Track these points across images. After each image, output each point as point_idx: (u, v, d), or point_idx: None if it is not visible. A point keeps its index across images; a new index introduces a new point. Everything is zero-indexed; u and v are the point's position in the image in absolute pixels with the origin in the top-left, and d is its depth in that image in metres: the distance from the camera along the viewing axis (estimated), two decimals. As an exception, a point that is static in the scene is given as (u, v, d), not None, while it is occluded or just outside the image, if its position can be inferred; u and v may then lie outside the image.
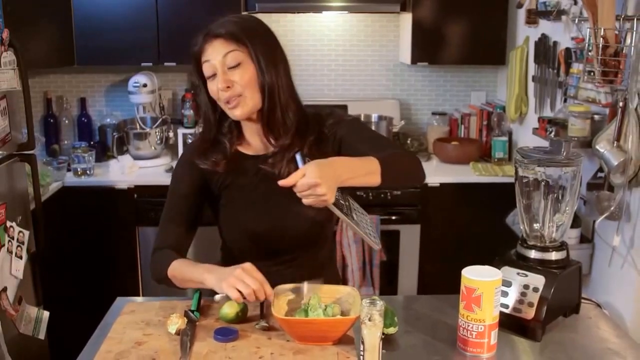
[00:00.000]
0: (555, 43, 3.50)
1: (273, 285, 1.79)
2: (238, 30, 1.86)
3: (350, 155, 1.81)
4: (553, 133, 3.20)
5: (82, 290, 3.72)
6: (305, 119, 1.97)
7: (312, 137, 1.96)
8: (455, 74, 4.50)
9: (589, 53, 2.86)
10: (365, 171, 1.74)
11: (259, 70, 1.86)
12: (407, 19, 4.12)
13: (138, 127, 4.10)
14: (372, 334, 1.52)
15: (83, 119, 4.33)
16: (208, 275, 1.79)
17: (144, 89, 3.97)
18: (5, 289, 2.62)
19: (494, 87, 4.54)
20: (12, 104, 2.78)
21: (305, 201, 1.64)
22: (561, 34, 3.42)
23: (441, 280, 3.80)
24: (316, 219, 1.95)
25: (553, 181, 1.82)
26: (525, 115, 3.99)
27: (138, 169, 3.90)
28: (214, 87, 1.86)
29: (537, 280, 1.78)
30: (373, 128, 4.14)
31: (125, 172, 3.83)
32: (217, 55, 1.85)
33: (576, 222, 3.03)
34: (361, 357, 1.56)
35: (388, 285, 3.77)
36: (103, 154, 4.10)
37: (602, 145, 2.78)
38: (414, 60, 4.10)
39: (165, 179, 3.76)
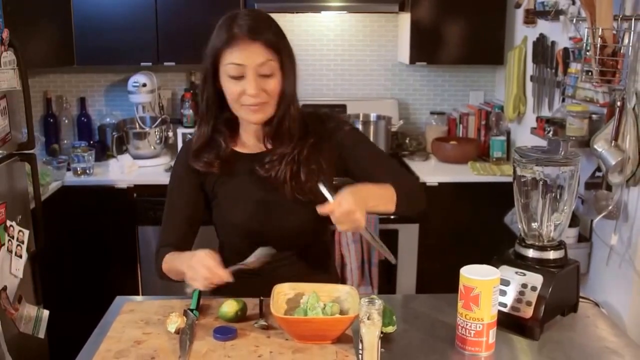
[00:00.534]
0: (553, 43, 3.51)
1: (270, 285, 1.80)
2: (275, 39, 1.85)
3: (355, 170, 1.96)
4: (551, 132, 3.21)
5: (81, 289, 3.72)
6: (305, 123, 1.98)
7: (311, 139, 1.96)
8: (454, 73, 4.51)
9: (587, 53, 2.87)
10: (385, 200, 1.83)
11: (284, 83, 1.88)
12: (405, 19, 4.12)
13: (137, 126, 4.10)
14: (370, 333, 1.52)
15: (83, 118, 4.34)
16: (186, 269, 1.80)
17: (143, 89, 3.97)
18: (5, 288, 2.62)
19: (492, 87, 4.54)
20: (12, 103, 2.78)
21: (341, 227, 1.68)
22: (559, 34, 3.43)
23: (439, 279, 3.79)
24: (310, 218, 1.95)
25: (551, 180, 1.82)
26: (523, 114, 4.00)
27: (137, 169, 3.91)
28: (238, 89, 1.84)
29: (535, 279, 1.79)
30: (372, 128, 4.16)
31: (124, 171, 3.83)
32: (253, 61, 1.82)
33: (574, 221, 3.03)
34: (360, 356, 1.56)
35: (387, 284, 3.78)
36: (103, 153, 4.10)
37: (600, 145, 2.79)
38: (413, 60, 4.11)
39: (165, 179, 3.75)
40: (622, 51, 2.72)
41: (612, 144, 2.75)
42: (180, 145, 4.08)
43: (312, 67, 4.39)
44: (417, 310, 1.96)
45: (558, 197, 1.84)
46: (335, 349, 1.67)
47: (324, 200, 1.70)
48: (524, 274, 1.81)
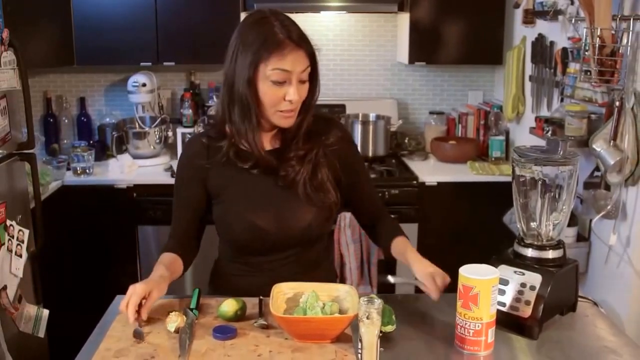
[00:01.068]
0: (552, 43, 3.51)
1: (270, 283, 1.81)
2: (311, 48, 1.87)
3: (346, 182, 2.06)
4: (550, 132, 3.22)
5: (81, 289, 3.73)
6: (316, 124, 2.01)
7: (324, 139, 2.00)
8: (453, 73, 4.51)
9: (586, 53, 2.88)
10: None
11: (312, 89, 1.92)
12: (404, 18, 4.13)
13: (137, 126, 4.11)
14: (370, 332, 1.52)
15: (82, 118, 4.34)
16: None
17: (143, 89, 3.98)
18: (5, 288, 2.62)
19: (491, 87, 4.55)
20: (12, 103, 2.78)
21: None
22: (558, 34, 3.43)
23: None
24: (317, 217, 1.96)
25: (550, 180, 1.83)
26: (522, 114, 4.00)
27: (137, 168, 3.91)
28: (280, 94, 1.83)
29: (534, 279, 1.79)
30: (371, 128, 4.17)
31: (124, 171, 3.83)
32: (298, 67, 1.83)
33: (573, 220, 3.04)
34: (359, 355, 1.56)
35: (386, 283, 3.77)
36: (102, 153, 4.11)
37: (599, 145, 2.79)
38: (412, 60, 4.11)
39: (165, 178, 3.79)
40: (620, 51, 2.73)
41: (611, 144, 2.76)
42: (180, 144, 4.08)
43: (311, 66, 4.38)
44: (416, 310, 1.96)
45: (557, 196, 1.84)
46: (334, 348, 1.68)
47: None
48: (523, 274, 1.82)
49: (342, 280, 3.41)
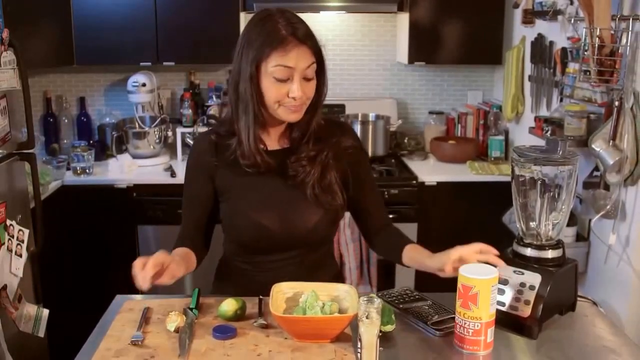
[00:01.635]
0: (551, 43, 3.51)
1: (274, 283, 1.81)
2: (317, 43, 1.88)
3: (354, 188, 2.05)
4: (549, 132, 3.22)
5: (81, 289, 3.73)
6: (326, 126, 2.02)
7: (334, 141, 2.01)
8: (452, 73, 4.52)
9: (585, 53, 2.88)
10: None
11: (320, 87, 1.92)
12: (404, 18, 4.13)
13: (137, 126, 4.11)
14: (369, 332, 1.53)
15: (82, 118, 4.34)
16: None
17: (143, 89, 3.98)
18: (5, 287, 2.63)
19: (490, 87, 4.55)
20: (12, 103, 2.78)
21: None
22: (557, 34, 3.44)
23: (438, 278, 3.82)
24: (324, 218, 1.97)
25: (549, 180, 1.83)
26: (521, 114, 4.00)
27: (137, 168, 3.91)
28: (282, 90, 1.84)
29: (534, 279, 1.79)
30: (371, 127, 4.17)
31: (124, 171, 3.84)
32: (301, 64, 1.83)
33: (572, 220, 3.04)
34: (358, 354, 1.57)
35: (385, 283, 3.78)
36: (102, 153, 4.11)
37: (598, 145, 2.80)
38: (411, 60, 4.12)
39: (164, 178, 3.80)
40: (620, 51, 2.73)
41: (610, 144, 2.76)
42: (179, 144, 4.09)
43: (311, 66, 4.38)
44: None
45: (556, 196, 1.84)
46: (334, 347, 1.68)
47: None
48: (522, 273, 1.82)
49: (342, 280, 3.41)
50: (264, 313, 1.85)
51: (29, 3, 3.48)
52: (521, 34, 3.93)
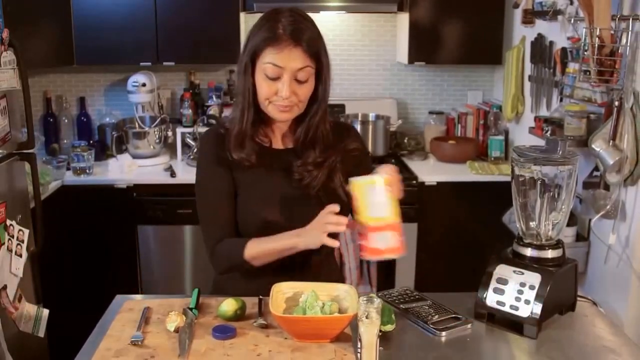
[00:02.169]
0: (551, 43, 3.51)
1: (272, 282, 1.81)
2: (316, 47, 1.87)
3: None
4: (549, 132, 3.22)
5: (81, 289, 3.73)
6: (335, 131, 2.03)
7: (343, 146, 2.02)
8: (452, 73, 4.52)
9: (585, 53, 2.88)
10: None
11: (319, 90, 1.93)
12: (404, 18, 4.13)
13: (137, 126, 4.11)
14: (369, 332, 1.53)
15: (82, 118, 4.34)
16: (298, 239, 1.85)
17: (143, 89, 3.98)
18: (5, 287, 2.63)
19: (490, 87, 4.55)
20: (12, 103, 2.78)
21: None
22: (557, 34, 3.44)
23: (438, 277, 3.83)
24: None
25: (549, 180, 1.83)
26: (521, 114, 4.00)
27: (137, 168, 3.91)
28: (271, 89, 1.85)
29: (534, 278, 1.80)
30: (371, 127, 4.17)
31: (124, 171, 3.84)
32: (292, 66, 1.83)
33: (572, 220, 3.04)
34: (358, 354, 1.57)
35: (385, 283, 3.78)
36: (102, 153, 4.11)
37: (598, 144, 2.80)
38: (411, 60, 4.12)
39: (164, 178, 3.80)
40: (620, 51, 2.73)
41: (610, 144, 2.76)
42: (179, 144, 4.09)
43: (311, 66, 4.38)
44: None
45: (556, 196, 1.84)
46: (334, 347, 1.68)
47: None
48: (522, 273, 1.82)
49: (342, 280, 3.41)
50: (264, 313, 1.85)
51: (29, 3, 3.48)
52: (521, 34, 3.93)
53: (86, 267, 3.79)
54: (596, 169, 2.91)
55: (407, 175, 3.90)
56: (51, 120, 4.24)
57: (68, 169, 3.80)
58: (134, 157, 3.99)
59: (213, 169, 2.01)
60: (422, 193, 3.82)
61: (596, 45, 2.75)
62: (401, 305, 1.92)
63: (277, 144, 2.02)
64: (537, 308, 1.76)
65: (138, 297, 2.06)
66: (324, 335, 1.70)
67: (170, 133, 4.12)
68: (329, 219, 1.77)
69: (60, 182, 3.69)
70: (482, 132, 4.31)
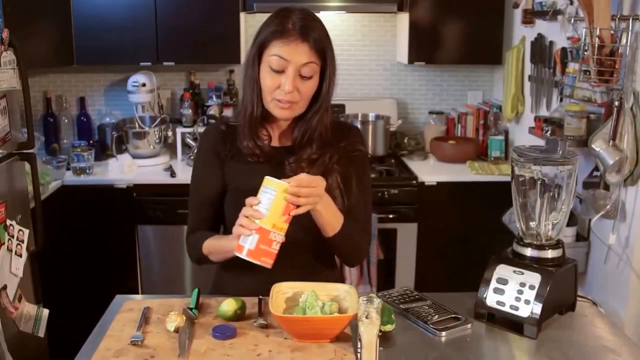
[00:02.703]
0: (551, 43, 3.52)
1: (271, 283, 1.81)
2: (323, 44, 1.89)
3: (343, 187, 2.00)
4: (549, 132, 3.22)
5: (81, 288, 3.73)
6: (334, 130, 2.02)
7: (342, 145, 2.01)
8: (452, 73, 4.52)
9: (585, 53, 2.88)
10: (332, 223, 1.90)
11: (323, 89, 1.93)
12: (404, 18, 4.13)
13: (137, 126, 4.11)
14: (369, 332, 1.53)
15: (82, 118, 4.34)
16: (233, 242, 1.82)
17: (143, 89, 3.98)
18: (5, 287, 2.63)
19: (490, 87, 4.55)
20: (12, 103, 2.78)
21: (301, 200, 1.74)
22: (557, 34, 3.44)
23: (438, 277, 3.83)
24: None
25: (549, 180, 1.83)
26: (521, 114, 4.01)
27: (137, 168, 3.91)
28: (274, 82, 1.87)
29: (534, 278, 1.79)
30: (371, 127, 4.17)
31: (124, 170, 3.84)
32: (297, 60, 1.84)
33: (572, 220, 3.04)
34: (358, 354, 1.57)
35: (385, 283, 3.78)
36: (102, 153, 4.11)
37: (598, 144, 2.80)
38: (411, 60, 4.12)
39: (164, 178, 3.80)
40: (619, 51, 2.73)
41: (610, 144, 2.76)
42: (179, 144, 4.09)
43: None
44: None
45: (556, 196, 1.84)
46: (333, 347, 1.68)
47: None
48: (522, 273, 1.82)
49: (342, 280, 3.41)
50: (264, 313, 1.85)
51: (29, 3, 3.48)
52: (521, 34, 3.93)
53: (86, 267, 3.79)
54: (596, 169, 2.91)
55: (407, 175, 3.90)
56: (51, 120, 4.24)
57: (68, 169, 3.80)
58: (134, 157, 3.99)
59: (206, 164, 2.05)
60: (422, 193, 3.82)
61: (596, 45, 2.75)
62: (401, 305, 1.92)
63: (276, 142, 2.03)
64: (537, 308, 1.76)
65: (138, 297, 2.07)
66: (324, 335, 1.70)
67: (170, 133, 4.12)
68: (240, 220, 1.76)
69: (60, 182, 3.69)
70: (482, 132, 4.31)
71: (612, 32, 2.74)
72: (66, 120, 4.30)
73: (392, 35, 4.45)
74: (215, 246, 1.97)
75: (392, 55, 4.47)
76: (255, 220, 1.72)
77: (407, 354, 1.70)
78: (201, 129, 3.96)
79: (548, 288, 1.76)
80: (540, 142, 2.40)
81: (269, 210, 1.71)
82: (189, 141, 4.05)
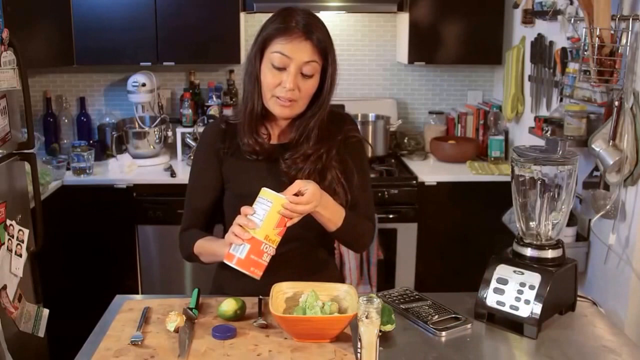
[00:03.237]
0: (551, 43, 3.52)
1: (270, 283, 1.80)
2: (326, 43, 1.90)
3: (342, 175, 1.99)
4: (549, 132, 3.22)
5: (81, 288, 3.73)
6: (330, 123, 2.01)
7: (339, 138, 2.01)
8: (452, 73, 4.52)
9: (585, 53, 2.88)
10: (333, 220, 1.91)
11: (324, 89, 1.93)
12: (404, 18, 4.13)
13: (137, 126, 4.11)
14: (369, 332, 1.53)
15: (82, 118, 4.34)
16: (224, 247, 1.82)
17: (142, 89, 3.98)
18: (5, 287, 2.63)
19: (490, 87, 4.55)
20: (12, 103, 2.78)
21: (297, 209, 1.76)
22: (557, 34, 3.44)
23: (438, 278, 3.83)
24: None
25: (549, 180, 1.83)
26: (521, 114, 4.01)
27: (137, 168, 3.91)
28: (276, 79, 1.87)
29: (534, 278, 1.80)
30: (371, 127, 4.17)
31: (124, 170, 3.84)
32: (299, 58, 1.85)
33: (572, 220, 3.04)
34: (358, 354, 1.57)
35: (385, 283, 3.78)
36: (102, 152, 4.11)
37: (598, 144, 2.80)
38: (411, 60, 4.12)
39: (164, 178, 3.80)
40: (619, 51, 2.73)
41: (610, 144, 2.76)
42: (179, 144, 4.09)
43: (311, 66, 4.38)
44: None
45: (556, 196, 1.85)
46: (333, 347, 1.68)
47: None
48: (522, 273, 1.82)
49: (342, 280, 3.41)
50: (264, 313, 1.85)
51: (29, 3, 3.48)
52: (521, 34, 3.93)
53: (86, 267, 3.79)
54: (596, 169, 2.91)
55: (407, 175, 3.90)
56: (51, 120, 4.24)
57: (68, 169, 3.80)
58: (134, 157, 3.99)
59: (204, 162, 2.06)
60: (422, 193, 3.82)
61: (596, 45, 2.75)
62: (401, 305, 1.93)
63: (275, 140, 2.03)
64: (537, 308, 1.76)
65: (138, 297, 2.07)
66: (324, 335, 1.70)
67: (170, 133, 4.12)
68: (234, 228, 1.75)
69: (60, 182, 3.69)
70: (482, 132, 4.31)
71: (612, 32, 2.74)
72: (66, 120, 4.30)
73: (392, 35, 4.45)
74: (205, 248, 1.97)
75: (392, 55, 4.47)
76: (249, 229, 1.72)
77: (407, 354, 1.70)
78: (201, 129, 3.96)
79: (548, 288, 1.77)
80: (540, 142, 2.41)
81: (262, 222, 1.72)
82: (189, 141, 4.05)
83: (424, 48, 4.10)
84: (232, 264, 1.72)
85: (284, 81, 1.86)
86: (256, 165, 1.98)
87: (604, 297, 2.91)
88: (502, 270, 1.85)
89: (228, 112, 4.09)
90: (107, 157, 4.11)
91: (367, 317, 1.52)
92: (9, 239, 2.69)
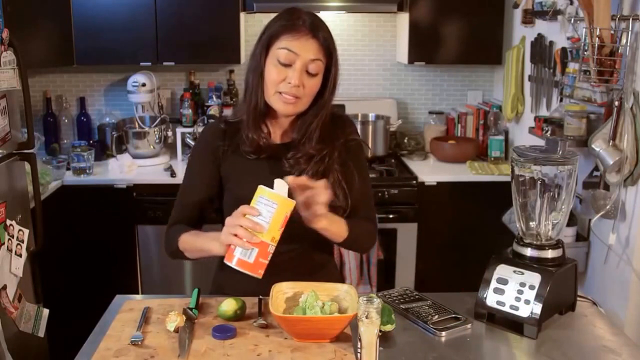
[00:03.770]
0: (551, 43, 3.52)
1: (270, 283, 1.80)
2: (331, 42, 1.91)
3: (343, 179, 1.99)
4: (549, 132, 3.22)
5: (81, 288, 3.73)
6: (332, 125, 2.02)
7: (341, 141, 2.02)
8: (452, 73, 4.52)
9: (585, 53, 2.88)
10: (338, 232, 1.91)
11: (327, 89, 1.94)
12: (404, 18, 4.13)
13: (137, 126, 4.11)
14: (369, 332, 1.53)
15: (82, 118, 4.34)
16: (212, 243, 1.81)
17: (142, 89, 3.98)
18: (5, 287, 2.63)
19: (490, 87, 4.55)
20: (12, 103, 2.78)
21: (310, 209, 1.77)
22: (557, 34, 3.44)
23: (438, 278, 3.83)
24: None
25: (549, 180, 1.83)
26: (521, 114, 4.01)
27: (137, 168, 3.91)
28: (280, 76, 1.87)
29: (533, 278, 1.80)
30: (371, 128, 4.17)
31: (124, 170, 3.84)
32: (306, 55, 1.86)
33: (572, 220, 3.04)
34: (358, 354, 1.57)
35: (385, 283, 3.78)
36: (102, 152, 4.11)
37: (598, 144, 2.80)
38: (411, 60, 4.12)
39: (164, 178, 3.80)
40: (619, 51, 2.73)
41: (610, 144, 2.76)
42: (179, 144, 4.09)
43: (311, 66, 4.38)
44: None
45: (556, 196, 1.85)
46: (333, 347, 1.68)
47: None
48: (522, 273, 1.82)
49: (342, 280, 3.41)
50: (264, 313, 1.85)
51: (29, 3, 3.48)
52: (521, 34, 3.93)
53: (86, 267, 3.79)
54: (596, 169, 2.91)
55: (407, 175, 3.90)
56: (51, 120, 4.24)
57: (68, 169, 3.80)
58: (134, 157, 3.99)
59: (201, 160, 2.06)
60: (422, 193, 3.82)
61: (596, 45, 2.75)
62: (401, 305, 1.93)
63: (277, 139, 2.03)
64: (537, 308, 1.76)
65: (138, 297, 2.07)
66: (324, 335, 1.70)
67: (170, 133, 4.12)
68: (237, 230, 1.70)
69: (60, 182, 3.69)
70: (482, 132, 4.31)
71: (612, 32, 2.74)
72: (66, 120, 4.30)
73: (392, 35, 4.45)
74: (190, 243, 1.95)
75: (392, 55, 4.47)
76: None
77: (407, 354, 1.70)
78: (201, 129, 3.96)
79: (548, 288, 1.77)
80: (540, 142, 2.41)
81: (269, 224, 1.69)
82: (189, 141, 4.05)
83: (424, 48, 4.11)
84: (233, 265, 1.70)
85: (289, 77, 1.86)
86: (257, 165, 1.98)
87: (604, 297, 2.91)
88: (502, 270, 1.85)
89: (228, 112, 4.10)
90: (107, 157, 4.11)
91: (367, 317, 1.51)
92: (9, 239, 2.69)
